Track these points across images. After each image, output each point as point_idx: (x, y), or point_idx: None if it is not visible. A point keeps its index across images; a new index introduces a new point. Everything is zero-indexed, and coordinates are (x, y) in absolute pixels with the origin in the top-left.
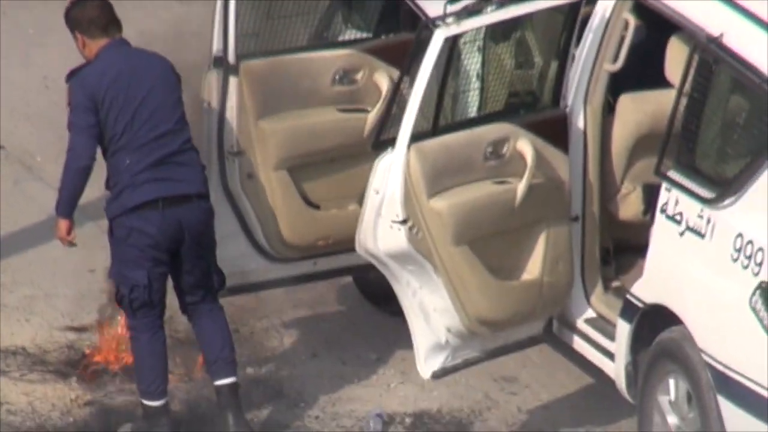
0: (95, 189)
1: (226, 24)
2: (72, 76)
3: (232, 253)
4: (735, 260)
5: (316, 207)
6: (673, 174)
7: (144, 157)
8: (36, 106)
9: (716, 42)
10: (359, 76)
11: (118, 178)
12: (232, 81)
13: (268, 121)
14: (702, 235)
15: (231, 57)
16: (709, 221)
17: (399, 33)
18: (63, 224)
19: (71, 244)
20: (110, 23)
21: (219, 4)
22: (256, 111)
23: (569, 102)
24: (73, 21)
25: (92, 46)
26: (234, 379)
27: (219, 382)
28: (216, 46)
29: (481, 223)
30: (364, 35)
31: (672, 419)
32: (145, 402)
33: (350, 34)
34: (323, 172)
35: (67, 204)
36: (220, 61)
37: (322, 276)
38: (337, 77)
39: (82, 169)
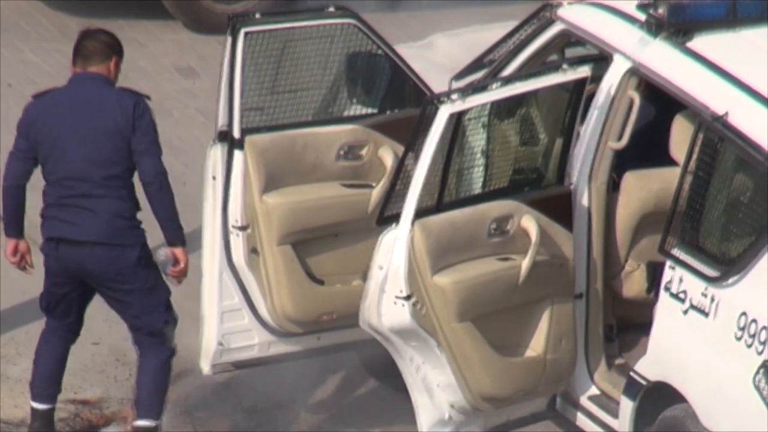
0: None
1: (231, 98)
2: (33, 98)
3: (236, 328)
4: (739, 339)
5: (320, 282)
6: (677, 252)
7: (54, 193)
8: None
9: (721, 120)
10: (364, 151)
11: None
12: (237, 155)
13: (273, 196)
14: (706, 314)
15: (236, 131)
16: (713, 300)
17: (404, 109)
18: (8, 244)
19: (19, 266)
20: (93, 55)
21: (224, 79)
22: (260, 185)
23: (574, 179)
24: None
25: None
26: (144, 423)
27: (135, 423)
28: (221, 120)
29: (485, 299)
30: (370, 111)
31: None
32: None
33: (355, 110)
34: (327, 247)
35: (7, 223)
36: (224, 135)
37: (326, 351)
38: (341, 152)
39: (6, 190)
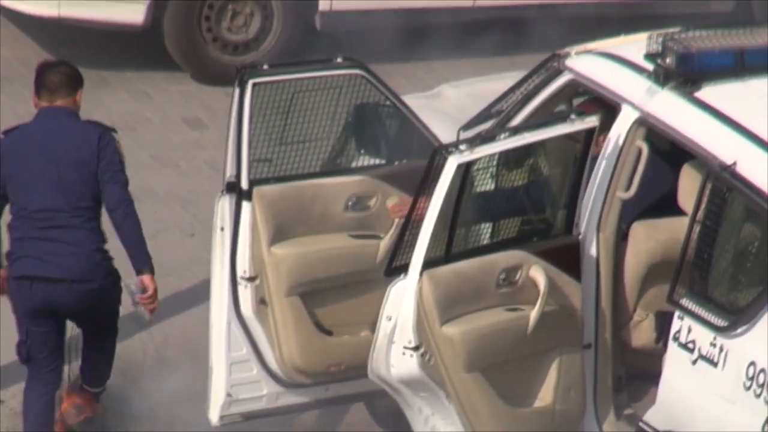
0: None
1: (239, 149)
2: (3, 134)
3: (244, 379)
4: (748, 388)
5: (329, 333)
6: (685, 302)
7: (26, 226)
8: None
9: (729, 170)
10: (372, 202)
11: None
12: (245, 206)
13: (281, 247)
14: (715, 364)
15: (244, 182)
16: (722, 349)
17: (412, 159)
18: None
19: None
20: (60, 89)
21: (232, 130)
22: (268, 236)
23: (582, 229)
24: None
25: (37, 105)
26: (94, 390)
27: (85, 388)
28: (229, 171)
29: (494, 350)
30: (377, 161)
31: None
32: None
33: (363, 160)
34: (336, 298)
35: None
36: (232, 186)
37: (335, 402)
38: (350, 203)
39: None
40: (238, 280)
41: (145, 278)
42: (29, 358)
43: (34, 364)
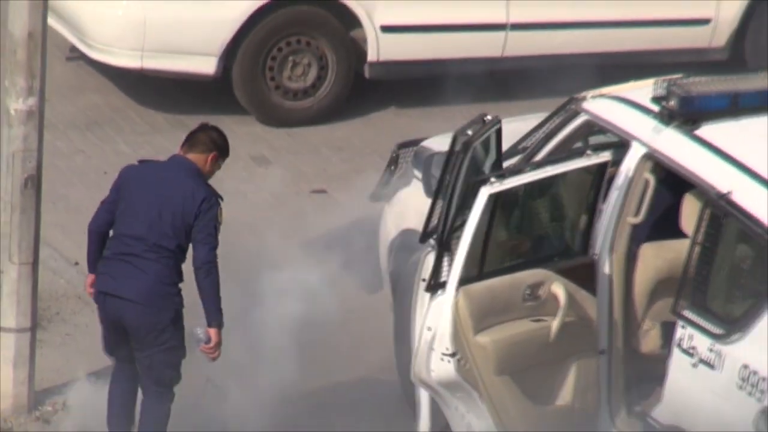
0: None
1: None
2: (138, 162)
3: None
4: (740, 388)
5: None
6: (687, 313)
7: (113, 247)
8: None
9: (725, 198)
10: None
11: None
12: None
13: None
14: (712, 366)
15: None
16: (718, 354)
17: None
18: (88, 277)
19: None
20: (197, 145)
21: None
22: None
23: (597, 250)
24: None
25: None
26: None
27: None
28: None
29: (521, 356)
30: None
31: None
32: None
33: None
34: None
35: (89, 261)
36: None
37: None
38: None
39: (90, 233)
40: None
41: (212, 331)
42: (110, 352)
43: (116, 357)
